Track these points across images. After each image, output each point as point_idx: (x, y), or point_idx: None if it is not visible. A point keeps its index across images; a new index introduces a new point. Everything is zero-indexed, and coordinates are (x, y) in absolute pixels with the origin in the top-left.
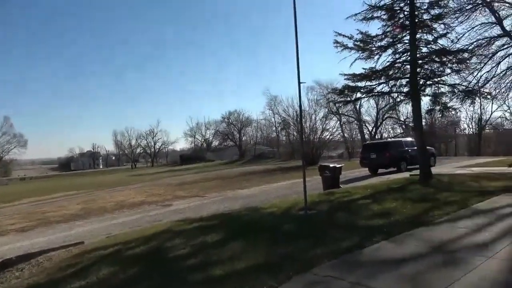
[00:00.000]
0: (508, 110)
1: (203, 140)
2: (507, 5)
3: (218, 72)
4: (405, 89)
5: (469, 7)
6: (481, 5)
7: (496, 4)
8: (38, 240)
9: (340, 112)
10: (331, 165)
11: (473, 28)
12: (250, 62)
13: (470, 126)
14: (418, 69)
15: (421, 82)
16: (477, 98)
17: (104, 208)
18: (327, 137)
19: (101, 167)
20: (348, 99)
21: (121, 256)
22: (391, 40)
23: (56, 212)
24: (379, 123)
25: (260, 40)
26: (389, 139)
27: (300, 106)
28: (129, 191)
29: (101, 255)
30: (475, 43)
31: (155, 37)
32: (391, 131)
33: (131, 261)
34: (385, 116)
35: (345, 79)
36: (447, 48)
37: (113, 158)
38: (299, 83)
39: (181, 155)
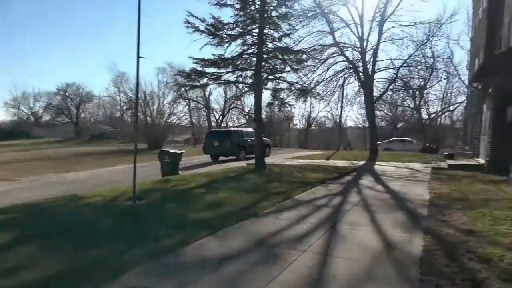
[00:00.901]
0: (331, 111)
1: (30, 113)
2: (339, 18)
3: (57, 36)
4: (250, 81)
5: (310, 14)
6: (319, 15)
7: (331, 16)
8: None
9: (190, 97)
10: (171, 151)
11: (312, 33)
12: (95, 32)
13: (301, 122)
14: (263, 63)
15: (264, 76)
16: (308, 97)
17: None
18: (174, 121)
19: None
20: (196, 83)
21: None
22: (241, 30)
23: None
24: (225, 112)
25: (113, 12)
26: (231, 128)
27: (137, 84)
28: None
29: None
30: (312, 48)
31: None
32: (236, 121)
33: None
34: (232, 106)
35: (193, 62)
36: (290, 47)
37: None
38: (138, 57)
39: None
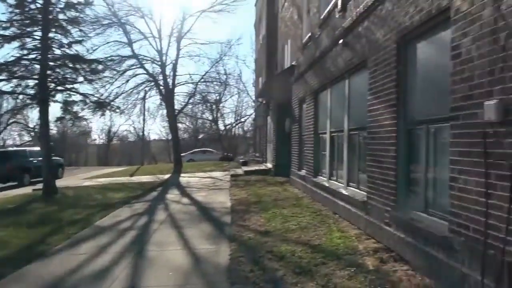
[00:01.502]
0: (133, 125)
1: None
2: (137, 30)
3: None
4: (33, 92)
5: (106, 22)
6: (116, 24)
7: (128, 27)
8: None
9: None
10: None
11: (108, 43)
12: None
13: (101, 137)
14: (49, 72)
15: (51, 86)
16: (107, 111)
17: None
18: None
19: None
20: None
21: None
22: (19, 31)
23: None
24: (2, 128)
25: None
26: (9, 148)
27: None
28: None
29: None
30: (109, 58)
31: None
32: (18, 138)
33: None
34: (10, 121)
35: None
36: (82, 56)
37: None
38: None
39: None
